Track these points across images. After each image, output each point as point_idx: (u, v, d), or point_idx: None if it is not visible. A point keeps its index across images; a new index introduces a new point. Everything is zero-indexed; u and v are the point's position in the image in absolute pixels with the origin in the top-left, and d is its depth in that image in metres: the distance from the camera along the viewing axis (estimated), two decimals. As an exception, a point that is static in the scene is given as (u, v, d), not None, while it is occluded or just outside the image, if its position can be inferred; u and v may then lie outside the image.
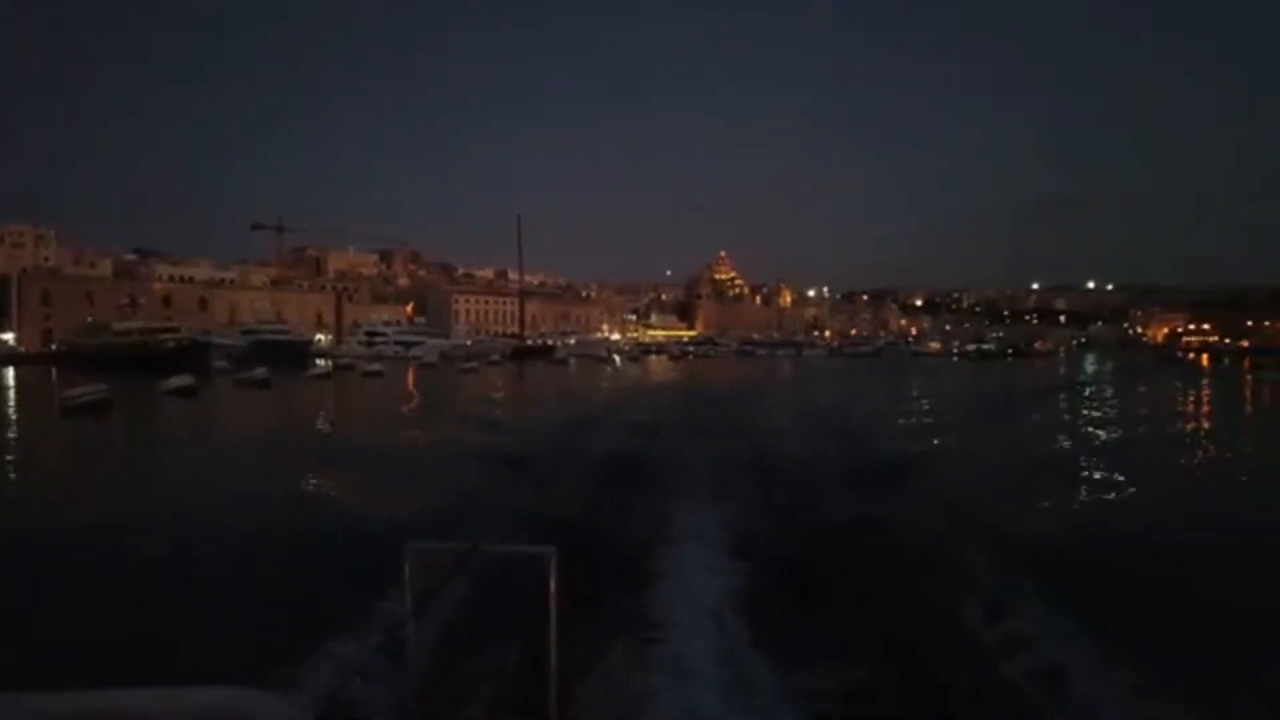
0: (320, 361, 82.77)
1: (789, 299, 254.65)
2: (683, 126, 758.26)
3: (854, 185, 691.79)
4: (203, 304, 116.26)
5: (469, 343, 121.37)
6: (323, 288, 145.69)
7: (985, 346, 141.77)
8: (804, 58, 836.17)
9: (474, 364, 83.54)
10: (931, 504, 14.87)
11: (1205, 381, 63.48)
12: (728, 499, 15.08)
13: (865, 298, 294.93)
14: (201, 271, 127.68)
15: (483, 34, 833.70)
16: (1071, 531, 12.95)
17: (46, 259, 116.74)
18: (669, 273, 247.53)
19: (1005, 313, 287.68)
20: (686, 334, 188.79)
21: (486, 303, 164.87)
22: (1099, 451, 22.94)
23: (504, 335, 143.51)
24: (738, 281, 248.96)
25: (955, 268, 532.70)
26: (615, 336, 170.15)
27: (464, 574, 7.30)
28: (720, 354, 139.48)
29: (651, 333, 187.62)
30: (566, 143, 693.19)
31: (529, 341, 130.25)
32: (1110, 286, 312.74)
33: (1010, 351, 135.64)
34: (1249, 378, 68.32)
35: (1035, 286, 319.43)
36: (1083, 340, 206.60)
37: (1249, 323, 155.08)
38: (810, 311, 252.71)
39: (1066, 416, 35.81)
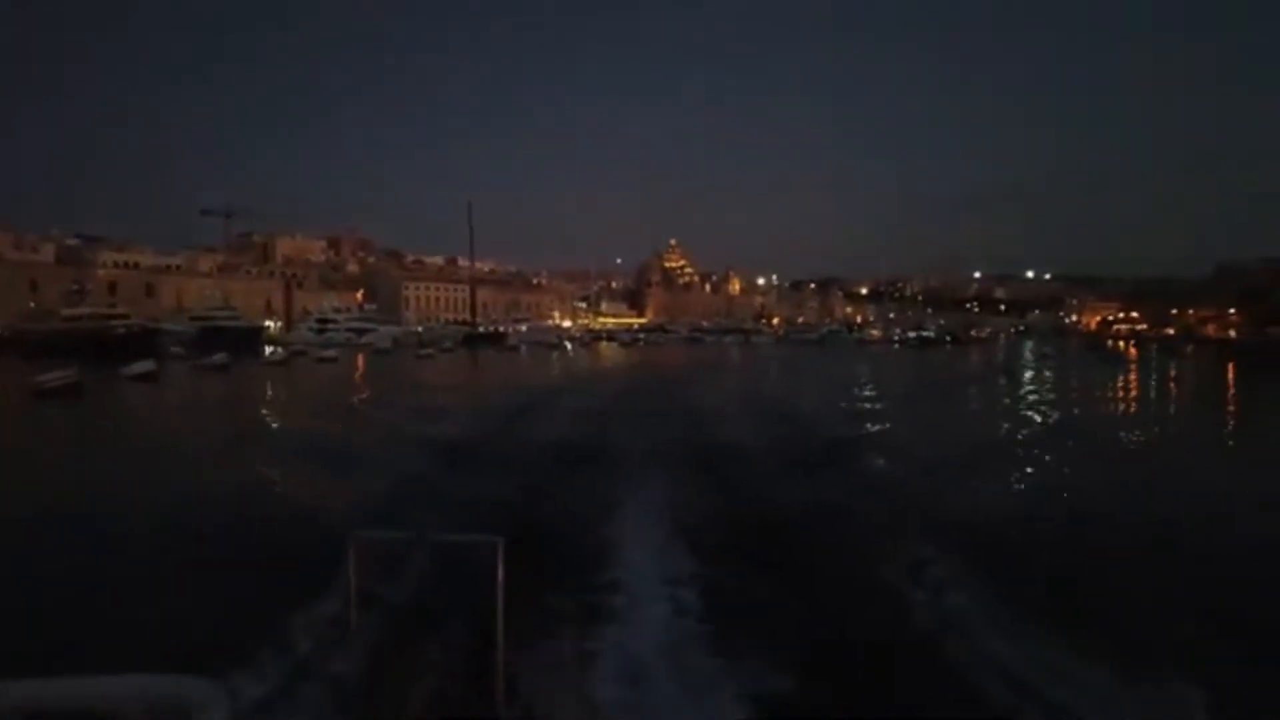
0: (272, 349, 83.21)
1: (738, 287, 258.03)
2: (633, 117, 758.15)
3: (802, 177, 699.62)
4: (149, 290, 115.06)
5: (420, 330, 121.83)
6: (271, 274, 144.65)
7: (925, 334, 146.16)
8: (751, 55, 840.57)
9: (429, 351, 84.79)
10: (863, 483, 16.51)
11: (1122, 366, 67.74)
12: (677, 483, 15.64)
13: (813, 286, 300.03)
14: (147, 258, 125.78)
15: (435, 22, 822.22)
16: (992, 508, 14.27)
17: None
18: (619, 260, 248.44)
19: (947, 301, 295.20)
20: (637, 321, 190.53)
21: (437, 290, 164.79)
22: (1005, 431, 25.90)
23: (455, 322, 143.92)
24: (687, 270, 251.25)
25: (900, 257, 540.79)
26: (566, 323, 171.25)
27: (409, 564, 7.94)
28: (670, 341, 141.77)
29: (602, 320, 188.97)
30: (516, 131, 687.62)
31: (481, 328, 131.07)
32: (1048, 276, 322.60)
33: (948, 339, 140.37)
34: (1149, 359, 73.18)
35: (977, 276, 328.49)
36: (1021, 328, 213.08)
37: (1173, 311, 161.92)
38: (759, 299, 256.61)
39: (984, 402, 39.11)
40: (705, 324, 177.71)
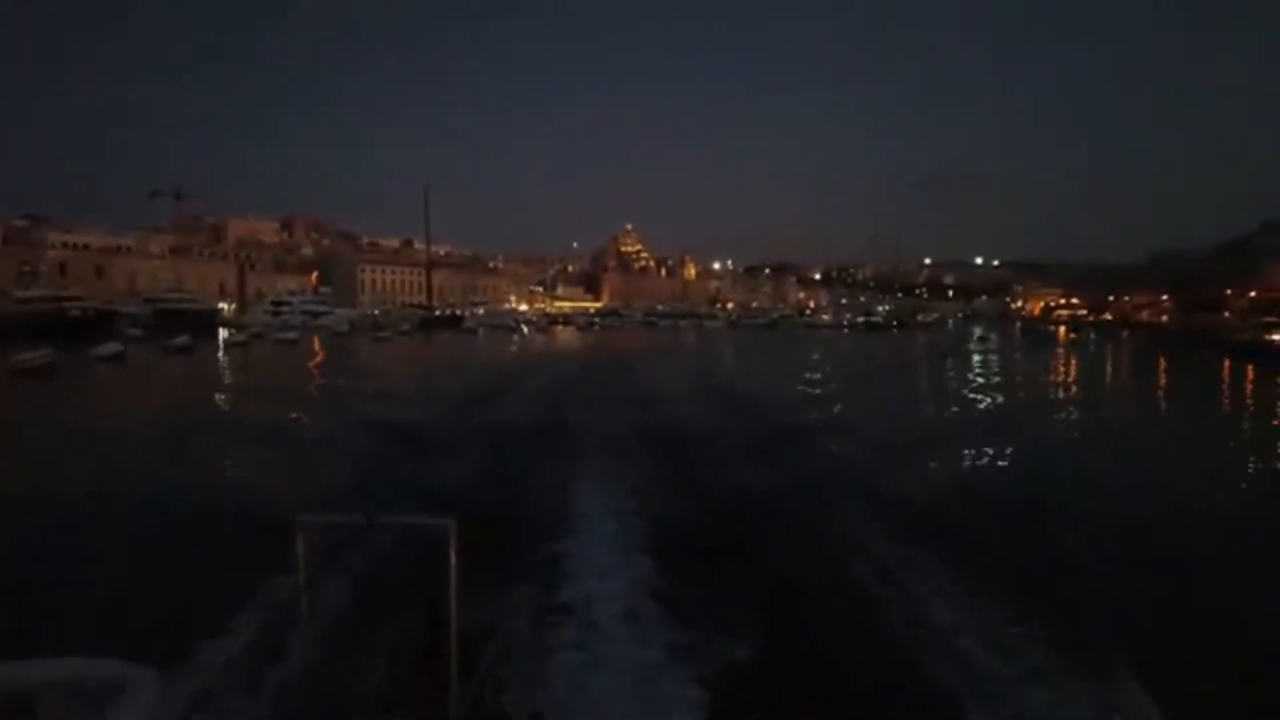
0: (231, 331, 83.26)
1: (693, 272, 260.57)
2: (589, 101, 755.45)
3: (760, 163, 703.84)
4: (99, 272, 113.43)
5: (376, 313, 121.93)
6: (223, 256, 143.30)
7: (873, 319, 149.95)
8: (706, 38, 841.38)
9: (387, 333, 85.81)
10: (802, 462, 17.71)
11: (1053, 350, 71.33)
12: (631, 466, 16.13)
13: (767, 271, 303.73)
14: (96, 239, 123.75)
15: (393, 5, 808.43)
16: (926, 485, 15.37)
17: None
18: (575, 245, 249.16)
19: (897, 287, 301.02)
20: (592, 305, 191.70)
21: (393, 273, 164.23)
22: (934, 412, 28.62)
23: (411, 305, 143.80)
24: (643, 254, 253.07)
25: (854, 244, 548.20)
26: (523, 307, 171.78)
27: (360, 548, 8.05)
28: (625, 325, 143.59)
29: (558, 304, 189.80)
30: (473, 114, 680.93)
31: (437, 312, 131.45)
32: (996, 263, 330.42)
33: (894, 324, 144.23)
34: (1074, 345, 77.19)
35: (928, 262, 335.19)
36: (968, 313, 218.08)
37: (1110, 297, 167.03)
38: (714, 284, 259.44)
39: (919, 384, 41.95)
40: (660, 308, 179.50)
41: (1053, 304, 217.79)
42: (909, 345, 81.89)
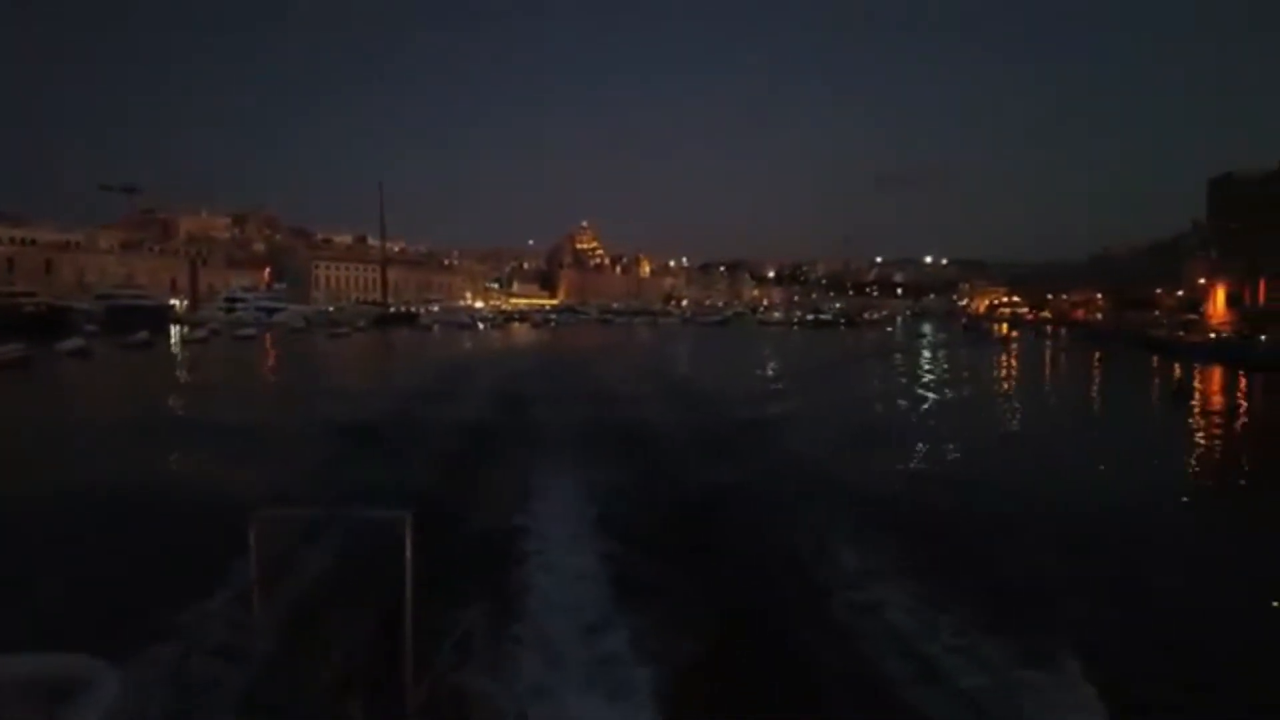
0: (184, 328, 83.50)
1: (648, 269, 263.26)
2: (544, 96, 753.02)
3: (714, 160, 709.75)
4: (48, 267, 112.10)
5: (331, 309, 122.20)
6: (175, 252, 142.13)
7: (821, 316, 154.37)
8: (660, 36, 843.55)
9: (344, 330, 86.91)
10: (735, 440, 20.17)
11: (992, 346, 75.20)
12: (589, 462, 16.52)
13: (723, 269, 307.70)
14: (45, 234, 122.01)
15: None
16: (858, 473, 16.41)
17: None
18: (531, 242, 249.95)
19: (849, 284, 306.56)
20: (548, 302, 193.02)
21: (347, 269, 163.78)
22: (868, 406, 31.37)
23: (365, 302, 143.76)
24: (599, 252, 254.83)
25: (808, 241, 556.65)
26: (478, 304, 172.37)
27: (314, 541, 7.76)
28: (581, 321, 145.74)
29: (514, 301, 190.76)
30: (428, 109, 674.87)
31: (392, 309, 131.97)
32: (945, 261, 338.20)
33: (842, 321, 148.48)
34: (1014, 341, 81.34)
35: (879, 260, 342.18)
36: (917, 311, 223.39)
37: (1050, 296, 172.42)
38: (669, 282, 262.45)
39: (855, 380, 44.94)
40: (616, 305, 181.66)
41: (996, 302, 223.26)
42: (854, 342, 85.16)
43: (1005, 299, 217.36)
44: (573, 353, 60.83)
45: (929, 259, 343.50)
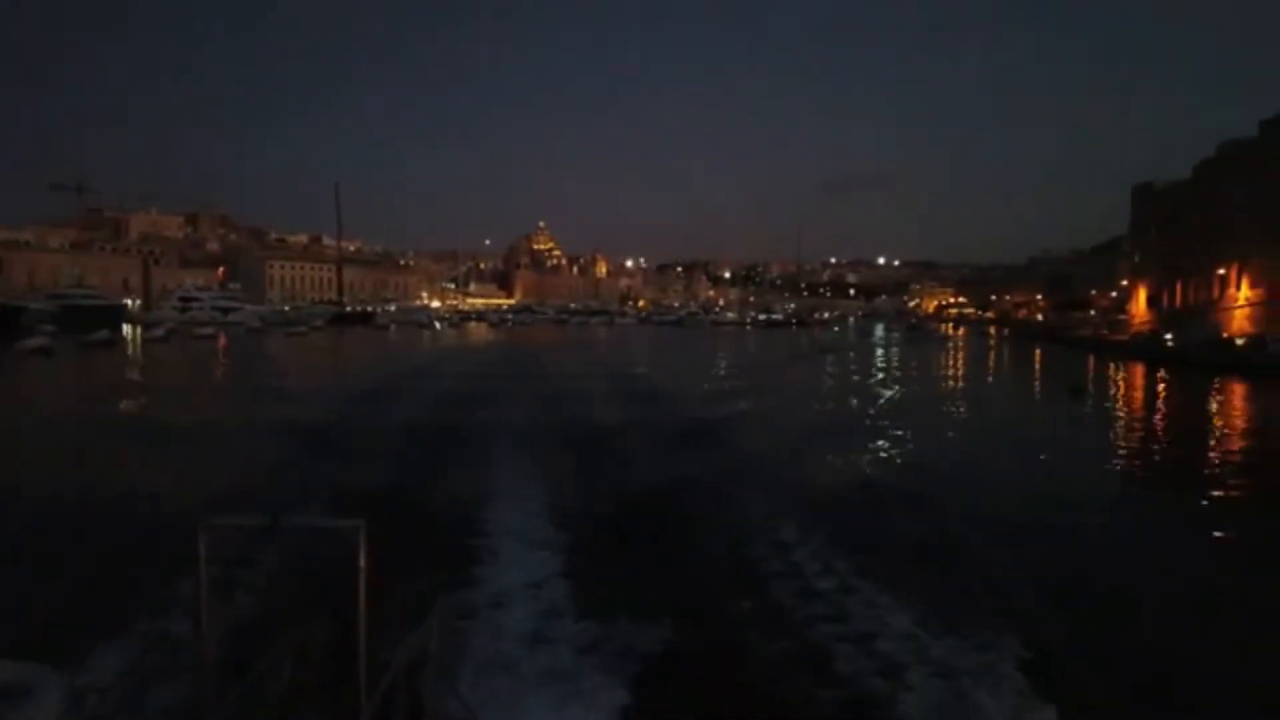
0: (135, 327, 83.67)
1: (605, 269, 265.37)
2: (502, 97, 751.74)
3: (674, 160, 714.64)
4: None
5: (286, 309, 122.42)
6: (127, 251, 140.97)
7: (774, 317, 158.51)
8: (616, 37, 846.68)
9: (302, 329, 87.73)
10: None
11: (935, 345, 78.69)
12: (544, 463, 16.80)
13: (679, 270, 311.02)
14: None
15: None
16: (802, 467, 17.20)
17: None
18: (488, 242, 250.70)
19: (803, 285, 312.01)
20: (505, 302, 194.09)
21: (302, 268, 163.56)
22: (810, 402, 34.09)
23: (320, 302, 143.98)
24: (555, 252, 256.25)
25: (766, 242, 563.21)
26: (435, 304, 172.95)
27: (265, 551, 7.94)
28: (538, 321, 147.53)
29: (471, 301, 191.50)
30: (383, 110, 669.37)
31: (348, 308, 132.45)
32: (897, 262, 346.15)
33: (794, 321, 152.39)
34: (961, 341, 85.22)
35: (833, 261, 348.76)
36: (868, 312, 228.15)
37: (993, 296, 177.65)
38: (625, 282, 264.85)
39: (799, 378, 47.76)
40: (573, 306, 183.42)
41: (945, 303, 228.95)
42: (797, 342, 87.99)
43: (953, 299, 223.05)
44: (530, 352, 63.03)
45: (881, 260, 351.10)
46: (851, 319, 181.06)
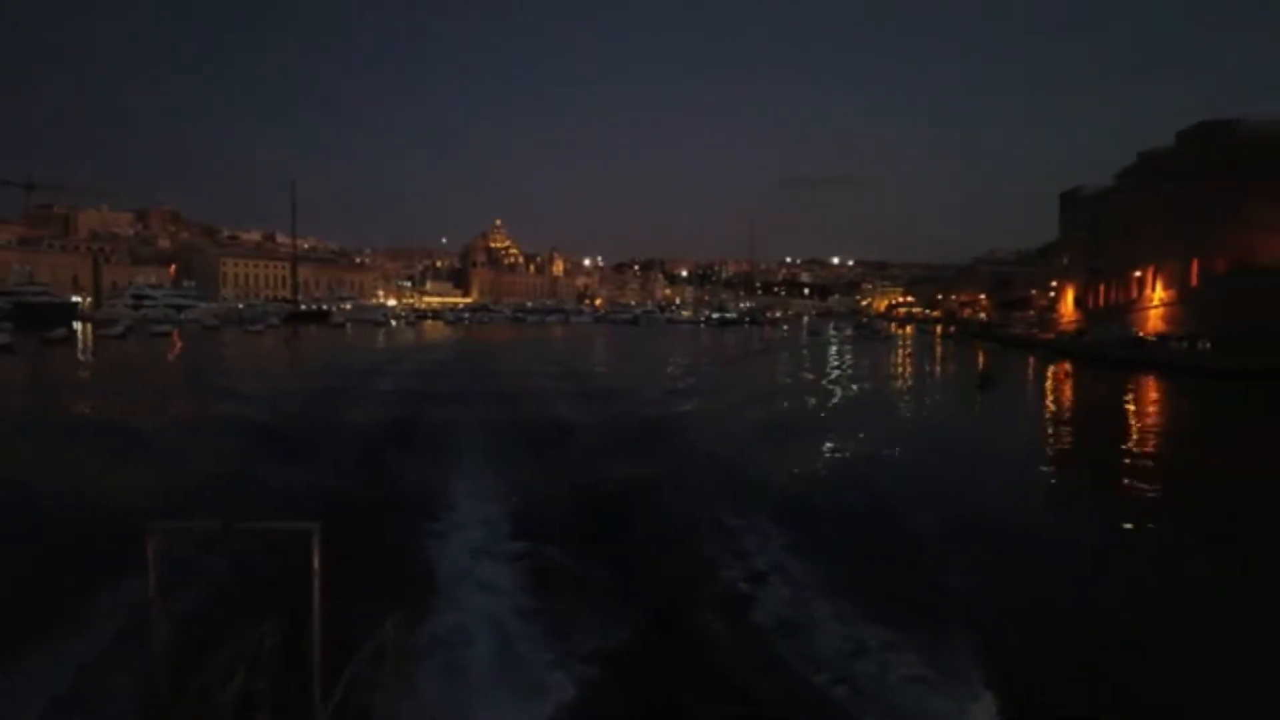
0: (83, 324, 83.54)
1: (562, 268, 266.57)
2: (459, 95, 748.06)
3: (631, 160, 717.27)
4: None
5: (240, 307, 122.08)
6: (76, 248, 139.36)
7: (727, 315, 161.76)
8: (574, 35, 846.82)
9: (259, 327, 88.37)
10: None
11: (880, 344, 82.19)
12: (504, 460, 17.38)
13: (636, 268, 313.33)
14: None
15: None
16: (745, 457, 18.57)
17: None
18: (445, 240, 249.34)
19: (758, 284, 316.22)
20: (462, 301, 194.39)
21: (256, 266, 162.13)
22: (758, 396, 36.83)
23: (275, 300, 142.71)
24: (513, 251, 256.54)
25: (722, 241, 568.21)
26: (391, 303, 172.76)
27: (216, 555, 8.06)
28: (494, 319, 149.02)
29: (427, 299, 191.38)
30: (339, 107, 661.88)
31: (303, 306, 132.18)
32: (851, 262, 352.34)
33: (747, 320, 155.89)
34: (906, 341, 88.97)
35: (788, 260, 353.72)
36: (822, 311, 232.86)
37: (939, 296, 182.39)
38: (582, 281, 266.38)
39: (746, 375, 50.50)
40: (529, 304, 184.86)
41: (894, 302, 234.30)
42: (747, 341, 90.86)
43: (903, 299, 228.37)
44: (487, 349, 65.35)
45: (836, 260, 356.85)
46: (806, 318, 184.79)
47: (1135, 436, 23.62)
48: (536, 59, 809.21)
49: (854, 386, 37.93)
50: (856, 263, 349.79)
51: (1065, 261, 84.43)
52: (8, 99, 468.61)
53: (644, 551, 11.29)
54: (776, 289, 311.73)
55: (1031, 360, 53.30)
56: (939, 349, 72.23)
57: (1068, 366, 48.26)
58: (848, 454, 19.80)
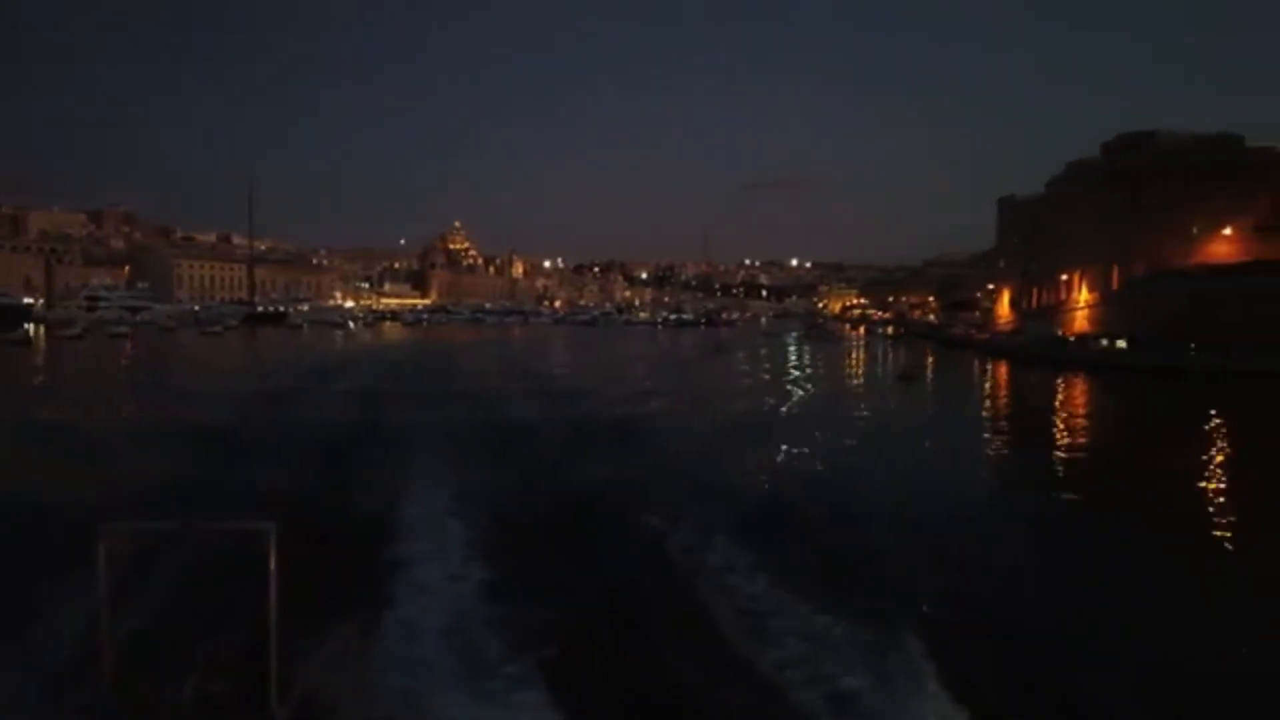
0: (38, 326, 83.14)
1: (521, 270, 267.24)
2: (418, 95, 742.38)
3: (591, 162, 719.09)
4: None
5: (197, 309, 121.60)
6: (26, 249, 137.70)
7: (684, 317, 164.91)
8: (535, 35, 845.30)
9: (217, 329, 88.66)
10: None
11: (830, 344, 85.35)
12: (464, 463, 17.47)
13: (596, 270, 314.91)
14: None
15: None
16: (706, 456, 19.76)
17: None
18: (403, 241, 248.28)
19: (717, 286, 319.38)
20: (420, 302, 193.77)
21: (211, 267, 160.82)
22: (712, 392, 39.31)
23: (231, 301, 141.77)
24: (471, 252, 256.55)
25: (681, 243, 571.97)
26: (349, 304, 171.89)
27: (170, 555, 7.98)
28: (453, 321, 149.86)
29: (386, 301, 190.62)
30: (297, 107, 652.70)
31: (260, 308, 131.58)
32: (809, 264, 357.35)
33: (703, 321, 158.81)
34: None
35: (747, 262, 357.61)
36: (780, 313, 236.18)
37: (890, 298, 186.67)
38: (542, 282, 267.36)
39: (702, 376, 53.00)
40: (488, 305, 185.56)
41: (849, 304, 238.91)
42: (703, 341, 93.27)
43: (857, 301, 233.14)
44: (446, 350, 67.00)
45: (794, 262, 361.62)
46: (763, 319, 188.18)
47: (1025, 416, 28.42)
48: (496, 59, 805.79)
49: (791, 377, 41.56)
50: (814, 265, 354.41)
51: (1002, 265, 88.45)
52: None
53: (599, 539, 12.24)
54: (735, 290, 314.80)
55: (966, 359, 56.69)
56: (884, 349, 75.56)
57: (996, 364, 51.60)
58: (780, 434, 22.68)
